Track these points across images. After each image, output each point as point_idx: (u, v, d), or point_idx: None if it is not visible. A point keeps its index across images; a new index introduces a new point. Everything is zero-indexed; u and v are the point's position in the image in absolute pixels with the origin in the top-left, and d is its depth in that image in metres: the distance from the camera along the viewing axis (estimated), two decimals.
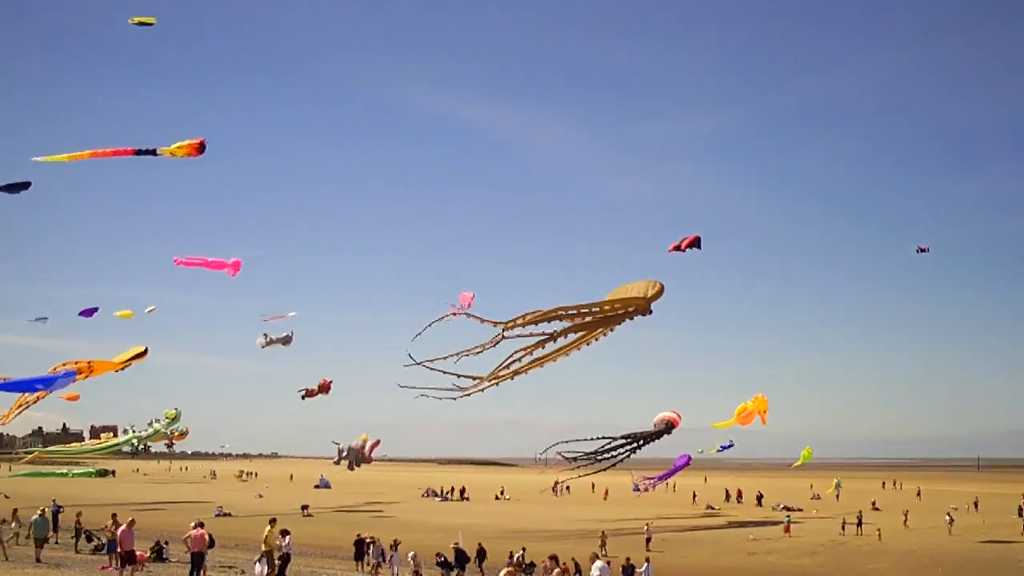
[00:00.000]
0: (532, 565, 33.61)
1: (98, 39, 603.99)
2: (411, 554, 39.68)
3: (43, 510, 44.68)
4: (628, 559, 36.07)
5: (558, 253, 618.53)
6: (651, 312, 60.87)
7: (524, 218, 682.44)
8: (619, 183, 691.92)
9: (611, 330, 61.22)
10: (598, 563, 29.71)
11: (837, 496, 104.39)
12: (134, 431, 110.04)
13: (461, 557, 39.39)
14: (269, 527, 34.94)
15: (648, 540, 57.40)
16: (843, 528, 66.99)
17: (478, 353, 58.81)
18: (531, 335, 58.51)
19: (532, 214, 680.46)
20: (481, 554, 48.83)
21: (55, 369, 66.72)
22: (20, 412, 77.37)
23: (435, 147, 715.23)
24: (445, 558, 39.18)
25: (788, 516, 72.71)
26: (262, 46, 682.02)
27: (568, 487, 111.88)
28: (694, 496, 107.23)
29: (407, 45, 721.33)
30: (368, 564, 40.58)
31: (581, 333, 59.93)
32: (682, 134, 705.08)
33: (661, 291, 60.86)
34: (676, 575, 47.63)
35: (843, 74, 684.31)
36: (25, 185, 33.26)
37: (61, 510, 53.97)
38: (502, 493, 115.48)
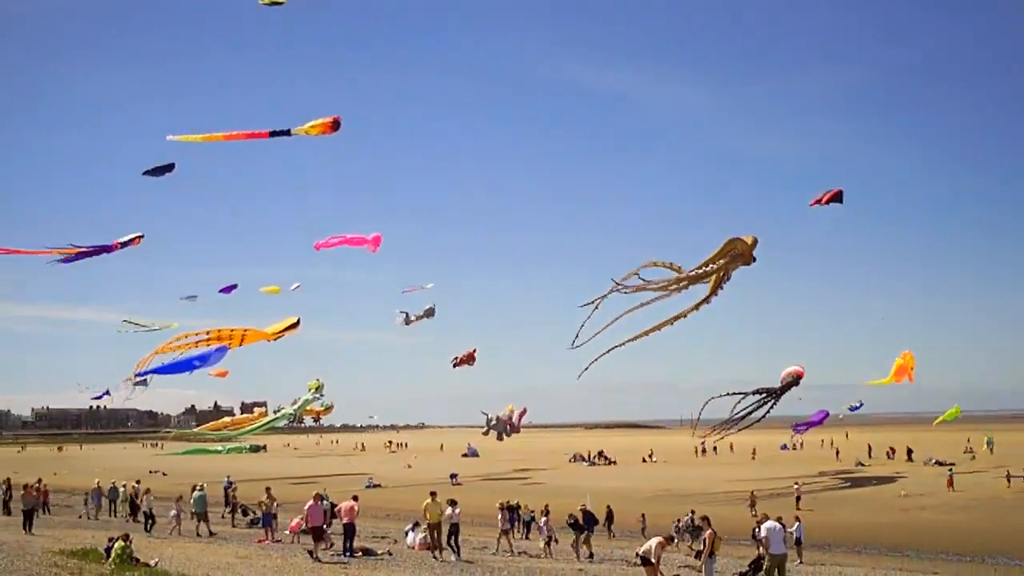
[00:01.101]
0: (699, 528, 33.46)
1: (234, 19, 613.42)
2: (544, 519, 39.84)
3: (202, 485, 45.85)
4: (779, 518, 35.73)
5: (685, 212, 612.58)
6: (755, 260, 61.30)
7: (646, 178, 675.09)
8: (742, 139, 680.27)
9: (722, 283, 61.85)
10: (768, 523, 29.36)
11: (991, 451, 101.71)
12: (284, 407, 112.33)
13: (589, 519, 39.36)
14: (429, 499, 35.18)
15: (798, 499, 56.88)
16: (1008, 481, 65.51)
17: (596, 305, 60.49)
18: (646, 287, 59.98)
19: (655, 174, 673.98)
20: (610, 516, 49.04)
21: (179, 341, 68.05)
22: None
23: (562, 112, 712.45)
24: (576, 519, 39.18)
25: (950, 470, 71.31)
26: (395, 22, 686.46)
27: (715, 448, 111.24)
28: (837, 453, 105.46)
29: (526, 10, 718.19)
30: (501, 529, 40.71)
31: (688, 282, 61.40)
32: (807, 89, 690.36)
33: (756, 241, 61.51)
34: (828, 534, 47.10)
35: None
36: (169, 167, 33.92)
37: (233, 486, 55.10)
38: (650, 455, 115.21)
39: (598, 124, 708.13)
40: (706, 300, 62.83)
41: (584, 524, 38.90)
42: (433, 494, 35.77)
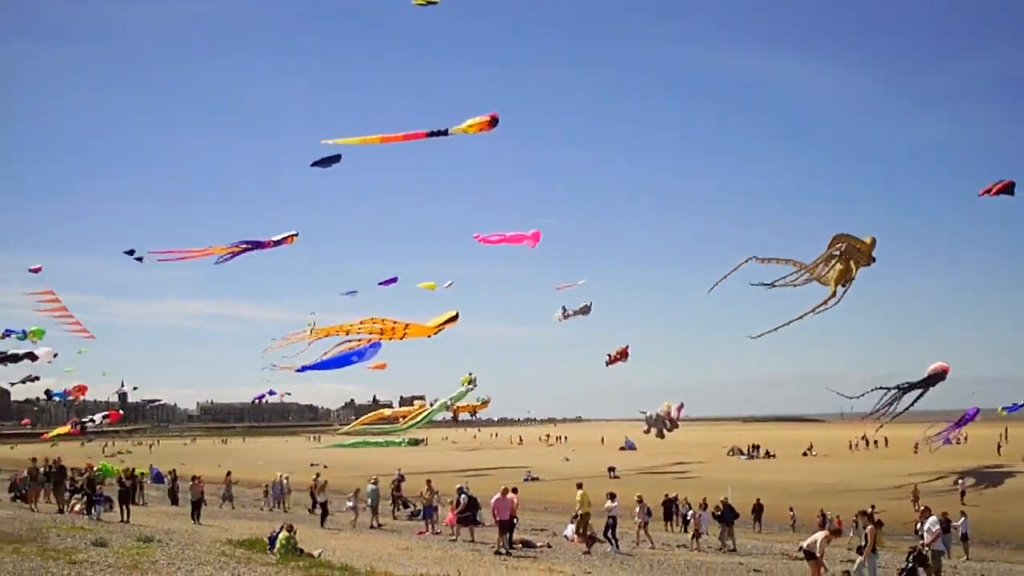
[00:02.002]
0: (881, 523, 32.72)
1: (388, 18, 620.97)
2: (700, 512, 39.63)
3: (376, 479, 46.54)
4: (944, 514, 34.93)
5: (850, 204, 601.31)
6: (874, 260, 61.06)
7: (809, 170, 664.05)
8: (903, 128, 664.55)
9: (844, 282, 61.92)
10: (933, 518, 28.82)
11: None
12: (439, 400, 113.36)
13: (729, 512, 38.99)
14: (579, 491, 35.26)
15: (962, 494, 55.61)
16: None
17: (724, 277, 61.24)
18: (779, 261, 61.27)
19: (818, 165, 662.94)
20: (758, 509, 48.61)
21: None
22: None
23: (718, 103, 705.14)
24: (722, 512, 38.88)
25: None
26: (555, 15, 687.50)
27: (876, 442, 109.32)
28: (999, 448, 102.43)
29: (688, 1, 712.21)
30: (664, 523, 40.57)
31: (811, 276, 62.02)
32: (973, 77, 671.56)
33: (875, 242, 61.64)
34: (996, 530, 46.04)
35: None
36: (336, 158, 34.35)
37: (403, 479, 55.81)
38: (810, 449, 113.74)
39: (760, 115, 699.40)
40: (824, 304, 62.75)
41: (725, 516, 38.69)
42: (579, 485, 35.82)
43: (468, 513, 37.35)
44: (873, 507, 43.98)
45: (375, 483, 44.72)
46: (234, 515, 46.86)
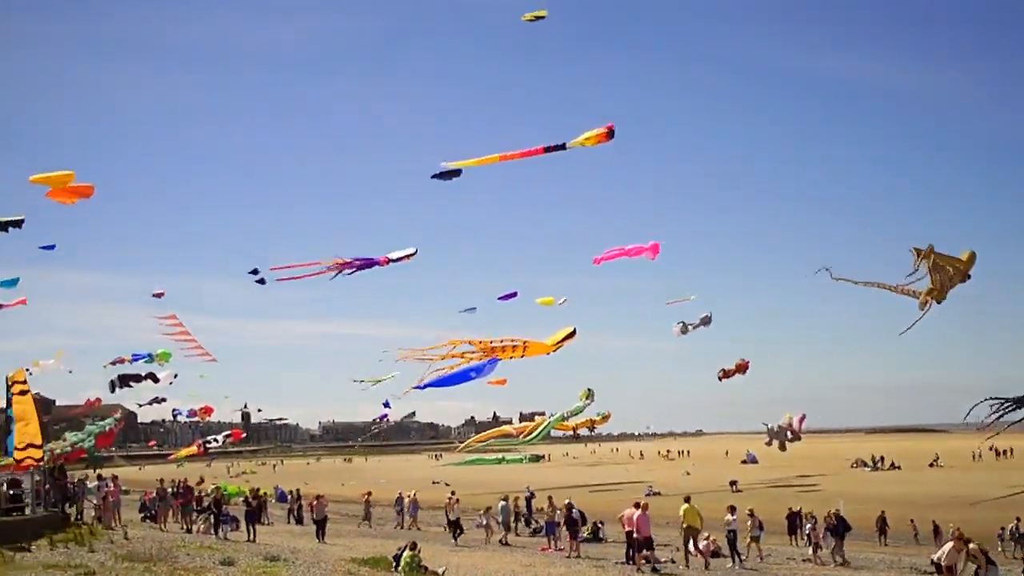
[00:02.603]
0: (968, 540, 32.05)
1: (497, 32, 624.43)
2: (808, 525, 39.14)
3: (507, 496, 46.71)
4: None
5: (958, 205, 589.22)
6: (970, 278, 59.53)
7: (913, 170, 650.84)
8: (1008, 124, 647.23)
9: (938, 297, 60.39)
10: None
11: None
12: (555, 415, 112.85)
13: (841, 524, 38.25)
14: (684, 506, 34.95)
15: None
16: None
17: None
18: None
19: (923, 165, 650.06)
20: (882, 522, 47.87)
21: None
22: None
23: (821, 105, 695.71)
24: (835, 526, 38.18)
25: None
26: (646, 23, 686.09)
27: (1006, 452, 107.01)
28: None
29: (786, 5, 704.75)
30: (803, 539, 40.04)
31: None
32: None
33: (974, 256, 59.88)
34: None
35: None
36: (456, 172, 34.52)
37: (533, 496, 55.79)
38: (936, 460, 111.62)
39: (860, 117, 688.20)
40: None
41: (837, 529, 38.04)
42: (687, 499, 35.49)
43: (574, 528, 37.59)
44: (1019, 519, 43.30)
45: (505, 500, 44.90)
46: (358, 533, 47.37)
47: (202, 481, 47.93)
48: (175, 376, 71.06)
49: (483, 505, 47.58)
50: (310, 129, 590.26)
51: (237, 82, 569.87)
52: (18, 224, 36.18)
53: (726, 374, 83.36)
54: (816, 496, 67.11)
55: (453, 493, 50.74)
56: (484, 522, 44.19)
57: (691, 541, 34.73)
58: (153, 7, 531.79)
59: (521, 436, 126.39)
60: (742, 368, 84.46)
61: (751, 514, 38.11)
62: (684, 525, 34.55)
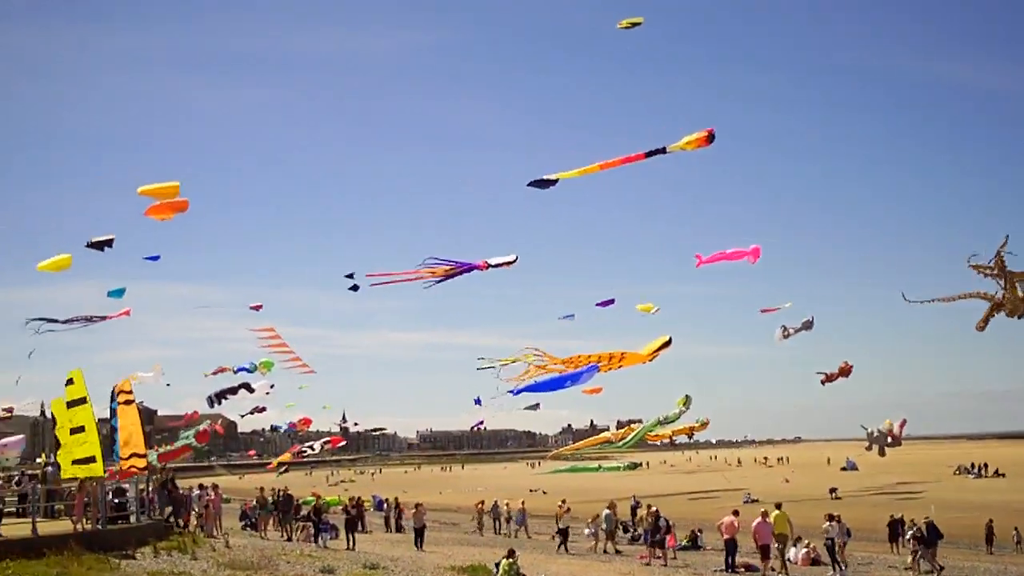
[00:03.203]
0: None
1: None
2: (909, 533, 38.53)
3: (611, 503, 46.52)
4: None
5: None
6: None
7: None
8: None
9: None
10: None
11: None
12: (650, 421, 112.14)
13: (932, 532, 37.32)
14: (775, 511, 34.58)
15: None
16: None
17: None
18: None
19: None
20: (989, 531, 46.98)
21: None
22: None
23: (930, 110, 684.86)
24: (921, 532, 37.24)
25: None
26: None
27: None
28: None
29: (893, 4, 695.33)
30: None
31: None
32: None
33: None
34: None
35: None
36: (553, 182, 34.56)
37: (639, 505, 55.49)
38: None
39: (971, 122, 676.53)
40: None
41: (928, 537, 37.25)
42: (778, 506, 35.12)
43: (657, 537, 37.43)
44: None
45: (611, 508, 44.81)
46: (456, 542, 47.53)
47: (317, 496, 48.54)
48: (271, 387, 71.89)
49: (590, 514, 47.46)
50: (410, 140, 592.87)
51: (323, 93, 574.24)
52: (109, 244, 36.89)
53: (829, 378, 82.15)
54: (918, 503, 66.19)
55: (564, 501, 50.87)
56: (594, 530, 44.19)
57: (782, 547, 34.43)
58: (271, 23, 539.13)
59: (617, 441, 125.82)
60: (845, 372, 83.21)
61: (836, 520, 37.55)
62: (775, 532, 34.24)
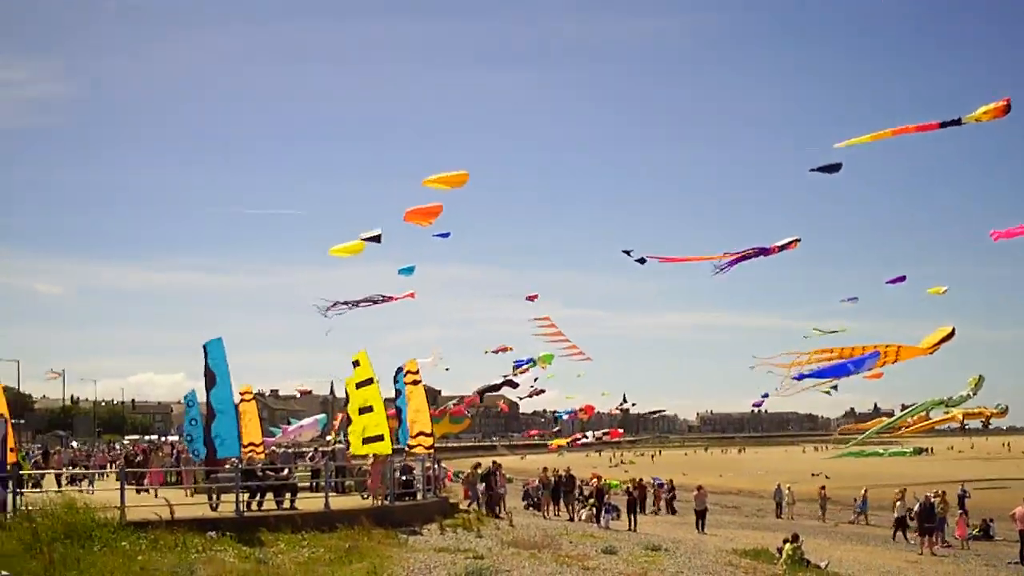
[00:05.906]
0: None
1: None
2: None
3: (902, 490, 45.01)
4: None
5: None
6: None
7: None
8: None
9: None
10: None
11: None
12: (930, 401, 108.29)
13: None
14: None
15: None
16: None
17: None
18: None
19: None
20: None
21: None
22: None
23: None
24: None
25: None
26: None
27: None
28: None
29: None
30: None
31: None
32: None
33: None
34: None
35: None
36: (837, 167, 33.73)
37: (967, 495, 53.69)
38: None
39: None
40: None
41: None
42: None
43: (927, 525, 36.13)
44: None
45: (900, 495, 43.48)
46: (738, 525, 47.18)
47: (598, 478, 48.87)
48: (535, 380, 75.03)
49: (875, 500, 46.23)
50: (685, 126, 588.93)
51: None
52: (377, 239, 38.10)
53: None
54: None
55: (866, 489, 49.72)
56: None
57: None
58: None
59: (906, 428, 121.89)
60: None
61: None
62: None
